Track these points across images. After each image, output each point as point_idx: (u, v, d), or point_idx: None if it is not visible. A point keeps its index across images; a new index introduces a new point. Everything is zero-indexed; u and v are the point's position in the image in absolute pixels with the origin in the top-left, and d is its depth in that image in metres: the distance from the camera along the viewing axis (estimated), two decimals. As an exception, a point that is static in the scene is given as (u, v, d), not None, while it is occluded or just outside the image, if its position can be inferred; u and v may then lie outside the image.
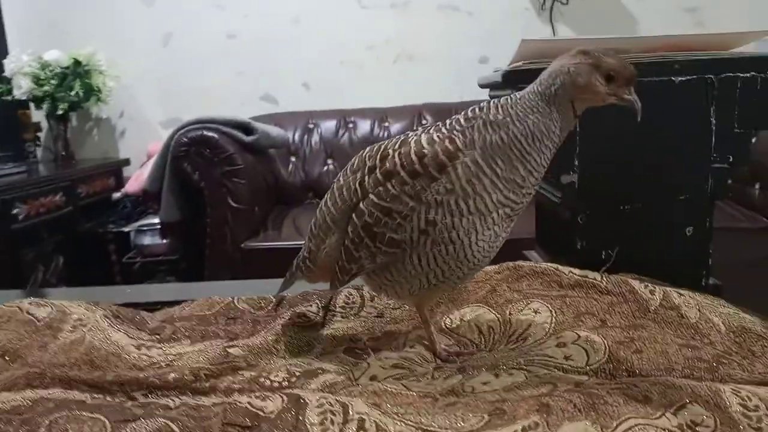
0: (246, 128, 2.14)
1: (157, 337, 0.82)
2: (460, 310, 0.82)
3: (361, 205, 0.67)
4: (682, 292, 0.81)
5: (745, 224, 1.91)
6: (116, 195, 2.66)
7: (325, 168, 2.60)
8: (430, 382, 0.67)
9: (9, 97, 2.55)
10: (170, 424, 0.56)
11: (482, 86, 1.19)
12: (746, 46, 0.95)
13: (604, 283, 0.83)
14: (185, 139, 1.97)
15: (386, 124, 2.63)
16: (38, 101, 2.57)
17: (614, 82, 0.63)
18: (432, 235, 0.64)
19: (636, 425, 0.53)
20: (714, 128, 0.91)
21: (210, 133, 1.99)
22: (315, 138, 2.63)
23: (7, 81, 2.54)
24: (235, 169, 2.00)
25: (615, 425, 0.53)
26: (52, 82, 2.52)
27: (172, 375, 0.70)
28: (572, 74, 0.62)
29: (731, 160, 0.92)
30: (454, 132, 0.64)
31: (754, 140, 0.93)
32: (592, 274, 0.85)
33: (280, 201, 2.49)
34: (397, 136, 0.68)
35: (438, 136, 0.64)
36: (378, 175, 0.66)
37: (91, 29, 2.74)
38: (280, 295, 0.94)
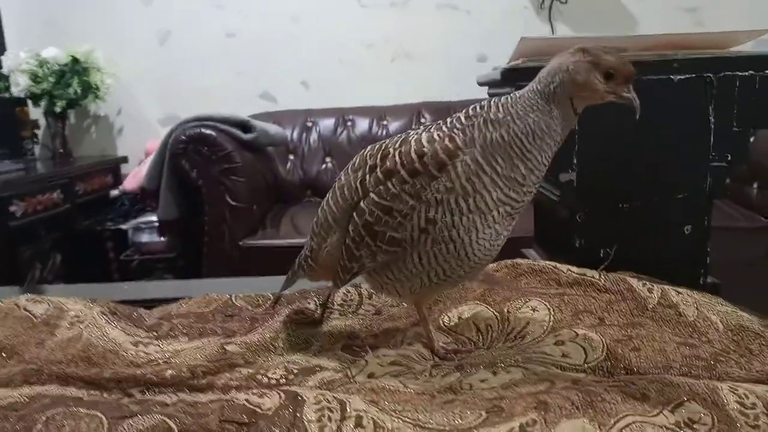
0: (244, 126, 2.14)
1: (155, 334, 0.82)
2: (458, 308, 0.82)
3: (361, 203, 0.67)
4: (680, 290, 0.81)
5: (743, 223, 1.91)
6: (114, 192, 2.65)
7: (324, 166, 2.60)
8: (427, 379, 0.67)
9: (7, 95, 2.54)
10: (167, 420, 0.56)
11: (481, 84, 1.19)
12: (745, 45, 0.95)
13: (603, 281, 0.83)
14: (183, 137, 1.97)
15: (385, 122, 2.63)
16: (36, 99, 2.56)
17: (613, 80, 0.63)
18: (432, 234, 0.64)
19: (633, 422, 0.53)
20: (713, 127, 0.91)
21: (208, 131, 1.98)
22: (313, 136, 2.63)
23: (5, 78, 2.53)
24: (234, 167, 2.00)
25: (612, 422, 0.53)
26: (50, 79, 2.51)
27: (170, 372, 0.70)
28: (571, 72, 0.62)
29: (730, 158, 0.93)
30: (455, 130, 0.64)
31: (752, 139, 0.93)
32: (590, 272, 0.85)
33: (279, 199, 2.49)
34: (399, 135, 0.68)
35: (438, 135, 0.64)
36: (378, 173, 0.66)
37: (90, 27, 2.73)
38: (278, 293, 0.94)
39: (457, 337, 0.78)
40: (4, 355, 0.77)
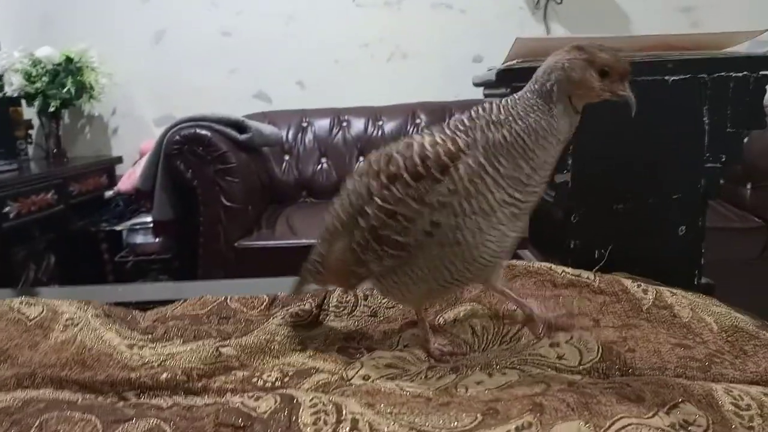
0: (239, 126, 2.14)
1: (149, 336, 0.81)
2: (453, 310, 0.82)
3: (366, 208, 0.67)
4: (674, 291, 0.81)
5: (737, 224, 1.92)
6: (109, 193, 2.64)
7: (319, 167, 2.60)
8: (423, 381, 0.67)
9: (0, 94, 2.53)
10: (162, 424, 0.56)
11: (477, 85, 1.19)
12: (739, 46, 0.95)
13: (597, 282, 0.83)
14: (178, 137, 1.96)
15: (380, 122, 2.63)
16: (30, 98, 2.54)
17: (608, 77, 0.63)
18: (438, 237, 0.64)
19: (629, 425, 0.53)
20: (707, 128, 0.92)
21: (203, 131, 1.98)
22: (309, 136, 2.63)
23: (-1, 78, 2.52)
24: (229, 168, 1.99)
25: (608, 425, 0.53)
26: (44, 79, 2.50)
27: (165, 375, 0.69)
28: (566, 70, 0.62)
29: (724, 159, 0.93)
30: (457, 133, 0.64)
31: (746, 140, 0.93)
32: (585, 274, 0.85)
33: (274, 200, 2.49)
34: (404, 140, 0.68)
35: (441, 138, 0.64)
36: (383, 178, 0.66)
37: (84, 26, 2.72)
38: (273, 294, 0.93)
39: (452, 339, 0.78)
40: (-3, 358, 0.76)
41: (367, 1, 2.73)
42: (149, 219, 2.23)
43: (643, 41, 0.94)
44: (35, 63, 2.50)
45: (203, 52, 2.75)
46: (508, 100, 0.64)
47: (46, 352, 0.77)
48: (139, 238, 2.40)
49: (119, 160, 2.81)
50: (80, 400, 0.67)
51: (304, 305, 0.86)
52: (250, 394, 0.61)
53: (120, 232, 2.47)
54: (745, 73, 0.90)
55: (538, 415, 0.54)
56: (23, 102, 2.62)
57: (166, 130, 2.01)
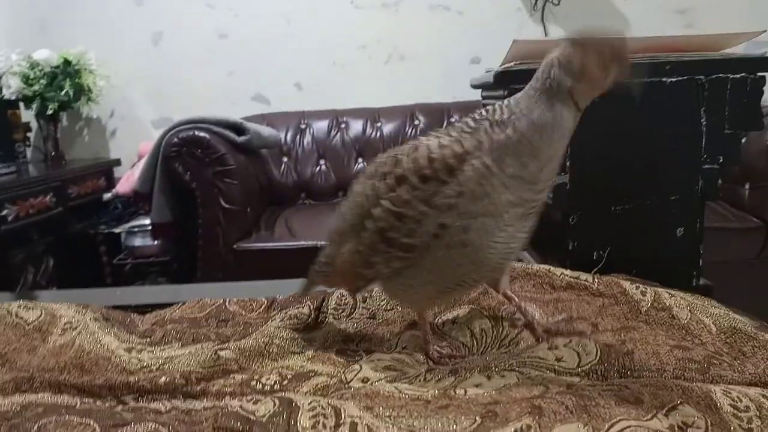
0: (238, 128, 2.14)
1: (148, 340, 0.81)
2: (451, 312, 0.82)
3: (374, 210, 0.67)
4: (673, 292, 0.81)
5: (736, 224, 1.92)
6: (107, 196, 2.64)
7: (318, 168, 2.60)
8: (422, 384, 0.67)
9: (-2, 97, 2.53)
10: (161, 428, 0.56)
11: (474, 87, 1.20)
12: (736, 48, 0.95)
13: (596, 284, 0.83)
14: (176, 140, 1.96)
15: (378, 124, 2.63)
16: (28, 101, 2.54)
17: (607, 61, 0.62)
18: (445, 239, 0.63)
19: (627, 427, 0.53)
20: (704, 129, 0.92)
21: (201, 134, 1.98)
22: (307, 138, 2.63)
23: (-4, 81, 2.52)
24: (227, 170, 2.00)
25: (607, 427, 0.53)
26: (42, 81, 2.50)
27: (163, 379, 0.69)
28: (563, 62, 0.62)
29: (721, 160, 0.93)
30: (463, 134, 0.64)
31: (743, 140, 0.93)
32: (584, 276, 0.85)
33: (273, 201, 2.49)
34: (411, 143, 0.68)
35: (447, 140, 0.64)
36: (390, 180, 0.66)
37: (81, 28, 2.72)
38: (272, 297, 0.93)
39: (451, 342, 0.78)
40: (-5, 362, 0.76)
41: (364, 2, 2.73)
42: (148, 221, 2.23)
43: (640, 43, 0.94)
44: (33, 66, 2.50)
45: (201, 54, 2.75)
46: (510, 100, 0.64)
47: (44, 356, 0.76)
48: (138, 241, 2.39)
49: (117, 162, 2.81)
50: (79, 404, 0.67)
51: (303, 308, 0.86)
52: (249, 397, 0.61)
53: (118, 234, 2.46)
54: (742, 74, 0.90)
55: (537, 417, 0.54)
56: (21, 105, 2.62)
57: (164, 133, 2.01)
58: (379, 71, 2.77)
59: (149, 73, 2.76)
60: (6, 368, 0.74)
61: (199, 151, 1.96)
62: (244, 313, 0.90)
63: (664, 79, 0.90)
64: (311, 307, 0.87)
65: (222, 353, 0.75)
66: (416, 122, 2.62)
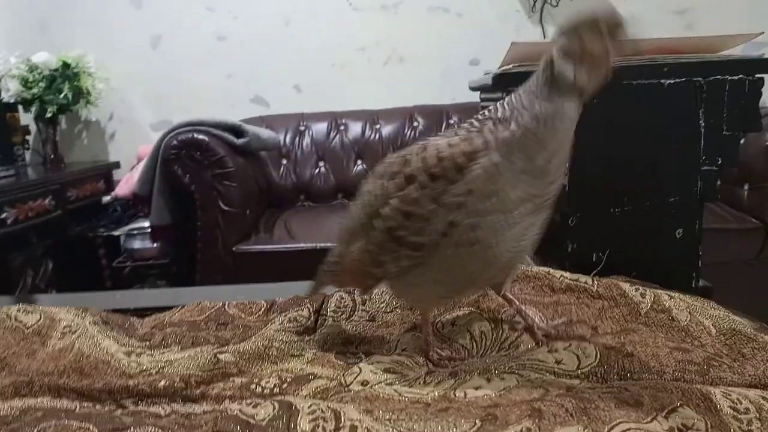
0: (237, 131, 2.14)
1: (147, 343, 0.81)
2: (451, 314, 0.82)
3: (382, 209, 0.67)
4: (672, 294, 0.81)
5: (735, 225, 1.92)
6: (106, 198, 2.63)
7: (317, 170, 2.60)
8: (422, 386, 0.67)
9: (-3, 100, 2.53)
10: (160, 432, 0.56)
11: (473, 89, 1.20)
12: (734, 49, 0.95)
13: (596, 287, 0.83)
14: (175, 142, 1.96)
15: (377, 126, 2.63)
16: (27, 104, 2.54)
17: (604, 34, 0.61)
18: (454, 237, 0.63)
19: (627, 429, 0.53)
20: (703, 131, 0.92)
21: (200, 136, 1.98)
22: (306, 140, 2.63)
23: (-5, 84, 2.52)
24: (226, 172, 1.99)
25: (606, 430, 0.53)
26: (41, 84, 2.50)
27: (163, 382, 0.69)
28: (563, 52, 0.61)
29: (720, 162, 0.93)
30: (470, 134, 0.64)
31: (742, 141, 0.93)
32: (583, 278, 0.85)
33: (272, 204, 2.49)
34: (419, 143, 0.68)
35: (456, 140, 0.64)
36: (399, 179, 0.66)
37: (80, 31, 2.72)
38: (271, 300, 0.93)
39: (450, 344, 0.78)
40: (-5, 366, 0.76)
41: (363, 4, 2.73)
42: (147, 224, 2.22)
43: (638, 45, 0.94)
44: (32, 69, 2.50)
45: (200, 56, 2.75)
46: (512, 96, 0.64)
47: (43, 359, 0.76)
48: (137, 243, 2.39)
49: (117, 165, 2.81)
50: (78, 408, 0.67)
51: (302, 310, 0.86)
52: (249, 401, 0.61)
53: (118, 237, 2.46)
54: (740, 76, 0.90)
55: (537, 420, 0.54)
56: (20, 108, 2.61)
57: (163, 135, 2.01)
58: (378, 73, 2.77)
59: (148, 75, 2.77)
60: (5, 372, 0.74)
61: (198, 154, 1.96)
62: (243, 316, 0.90)
63: (662, 81, 0.90)
64: (311, 309, 0.87)
65: (221, 356, 0.75)
66: (415, 124, 2.62)
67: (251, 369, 0.74)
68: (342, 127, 2.64)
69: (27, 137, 2.76)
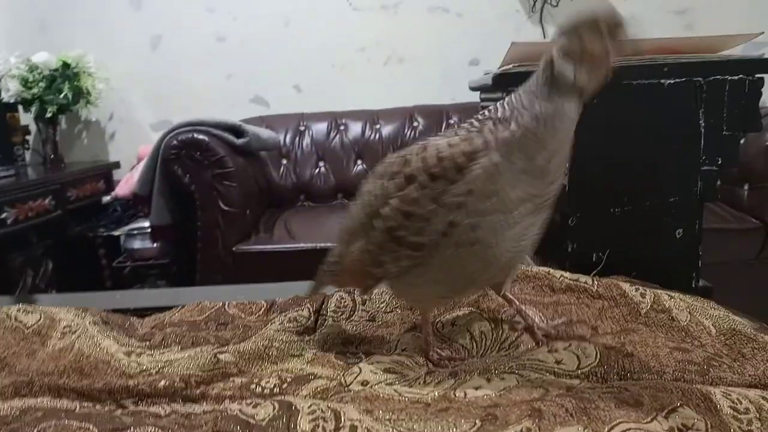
0: (237, 131, 2.14)
1: (147, 343, 0.81)
2: (451, 314, 0.82)
3: (382, 209, 0.67)
4: (672, 294, 0.81)
5: (735, 225, 1.92)
6: (106, 198, 2.64)
7: (317, 170, 2.60)
8: (422, 387, 0.67)
9: (-3, 100, 2.53)
10: (160, 432, 0.56)
11: (473, 89, 1.20)
12: (734, 49, 0.95)
13: (596, 287, 0.83)
14: (175, 142, 1.96)
15: (377, 126, 2.63)
16: (27, 104, 2.54)
17: (603, 33, 0.61)
18: (454, 237, 0.63)
19: (627, 429, 0.53)
20: (703, 131, 0.92)
21: (200, 136, 1.98)
22: (306, 140, 2.63)
23: (-5, 84, 2.52)
24: (226, 172, 2.00)
25: (606, 430, 0.53)
26: (41, 84, 2.50)
27: (163, 382, 0.69)
28: (563, 52, 0.61)
29: (720, 162, 0.93)
30: (470, 134, 0.64)
31: (742, 141, 0.93)
32: (583, 278, 0.85)
33: (272, 204, 2.49)
34: (419, 143, 0.68)
35: (456, 140, 0.64)
36: (400, 179, 0.66)
37: (80, 31, 2.72)
38: (271, 300, 0.93)
39: (450, 344, 0.78)
40: (-5, 366, 0.76)
41: (363, 4, 2.73)
42: (147, 224, 2.23)
43: (638, 45, 0.94)
44: (32, 69, 2.50)
45: (200, 56, 2.75)
46: (512, 96, 0.64)
47: (43, 360, 0.76)
48: (137, 243, 2.39)
49: (117, 165, 2.81)
50: (78, 408, 0.67)
51: (302, 310, 0.86)
52: (249, 401, 0.61)
53: (118, 237, 2.46)
54: (740, 76, 0.90)
55: (537, 420, 0.54)
56: (20, 108, 2.61)
57: (163, 135, 2.01)
58: (378, 73, 2.77)
59: (148, 75, 2.77)
60: (5, 372, 0.74)
61: (198, 154, 1.96)
62: (243, 316, 0.90)
63: (662, 81, 0.90)
64: (310, 309, 0.87)
65: (221, 356, 0.75)
66: (415, 124, 2.62)
67: (251, 369, 0.74)
68: (342, 127, 2.64)
69: (27, 137, 2.77)
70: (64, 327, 0.83)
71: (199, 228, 1.99)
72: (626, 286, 0.82)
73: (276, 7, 2.73)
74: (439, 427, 0.55)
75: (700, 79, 0.90)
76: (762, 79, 0.90)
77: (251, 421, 0.56)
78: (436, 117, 2.62)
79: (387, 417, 0.58)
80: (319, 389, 0.69)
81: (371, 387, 0.67)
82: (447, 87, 2.66)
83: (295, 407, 0.58)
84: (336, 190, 2.58)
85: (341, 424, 0.56)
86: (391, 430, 0.55)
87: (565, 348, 0.70)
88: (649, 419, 0.54)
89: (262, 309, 0.92)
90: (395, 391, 0.65)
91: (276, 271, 1.90)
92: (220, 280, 1.96)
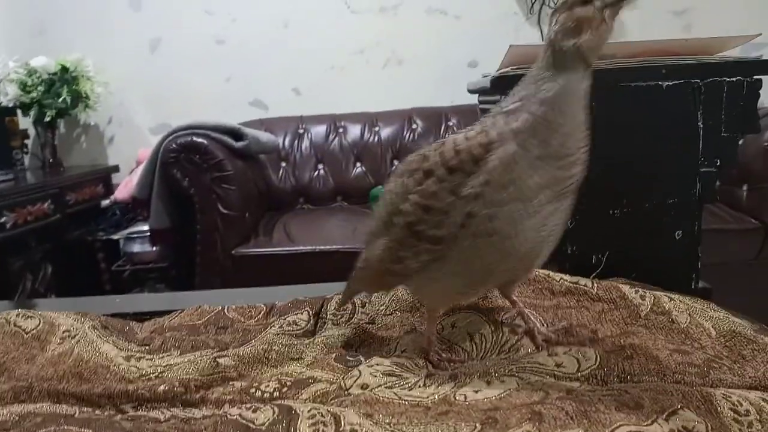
0: (236, 134, 2.14)
1: (147, 348, 0.81)
2: (451, 316, 0.82)
3: (402, 206, 0.67)
4: (672, 296, 0.81)
5: (734, 225, 1.92)
6: (105, 202, 2.64)
7: (316, 173, 2.60)
8: (422, 390, 0.67)
9: (-5, 104, 2.53)
10: (160, 437, 0.56)
11: (471, 92, 1.20)
12: (732, 51, 0.96)
13: (596, 289, 0.83)
14: (174, 146, 1.96)
15: (376, 128, 2.63)
16: (25, 108, 2.54)
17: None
18: (472, 228, 0.63)
19: (628, 432, 0.53)
20: (701, 132, 0.92)
21: (199, 139, 1.98)
22: (305, 143, 2.63)
23: (-6, 88, 2.52)
24: (225, 175, 1.99)
25: (607, 433, 0.53)
26: (40, 88, 2.50)
27: (162, 387, 0.69)
28: (559, 30, 0.62)
29: (719, 163, 0.93)
30: (486, 126, 0.64)
31: (741, 141, 0.93)
32: (583, 281, 0.85)
33: (271, 207, 2.49)
34: (438, 140, 0.69)
35: (472, 133, 0.65)
36: (419, 175, 0.66)
37: (79, 35, 2.72)
38: (270, 303, 0.93)
39: (450, 346, 0.77)
40: (-6, 371, 0.76)
41: (362, 7, 2.73)
42: (146, 228, 2.22)
43: (636, 47, 0.94)
44: (30, 73, 2.50)
45: (199, 59, 2.75)
46: (518, 88, 0.65)
47: (42, 365, 0.76)
48: (136, 247, 2.39)
49: (116, 168, 2.81)
50: (77, 413, 0.66)
51: (302, 314, 0.86)
52: (248, 405, 0.61)
53: (117, 241, 2.46)
54: (738, 77, 0.90)
55: (537, 423, 0.54)
56: (19, 112, 2.61)
57: (162, 139, 2.01)
58: (377, 75, 2.77)
59: (147, 79, 2.77)
60: (4, 377, 0.74)
61: (197, 157, 1.96)
62: (243, 319, 0.90)
63: (660, 83, 0.90)
64: (310, 313, 0.87)
65: (221, 360, 0.75)
66: (414, 126, 2.62)
67: (251, 373, 0.74)
68: (341, 130, 2.64)
69: (26, 141, 2.76)
70: (64, 332, 0.83)
71: (198, 231, 1.99)
72: (626, 289, 0.82)
73: (275, 9, 2.73)
74: (439, 431, 0.55)
75: (699, 80, 0.90)
76: (760, 80, 0.91)
77: (251, 425, 0.56)
78: (435, 119, 2.62)
79: (387, 421, 0.58)
80: (318, 393, 0.69)
81: (371, 390, 0.67)
82: (446, 89, 2.66)
83: (295, 411, 0.58)
84: (335, 193, 2.58)
85: (341, 428, 0.56)
86: (391, 434, 0.55)
87: (565, 351, 0.70)
88: (649, 422, 0.54)
89: (262, 312, 0.92)
90: (395, 394, 0.65)
91: (275, 274, 1.90)
92: (219, 283, 1.95)
